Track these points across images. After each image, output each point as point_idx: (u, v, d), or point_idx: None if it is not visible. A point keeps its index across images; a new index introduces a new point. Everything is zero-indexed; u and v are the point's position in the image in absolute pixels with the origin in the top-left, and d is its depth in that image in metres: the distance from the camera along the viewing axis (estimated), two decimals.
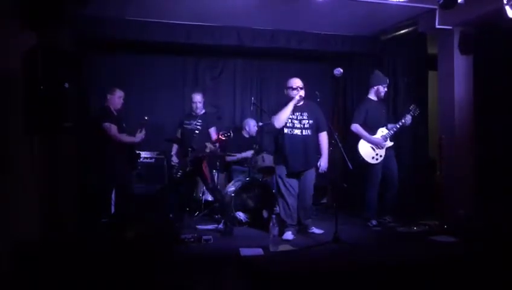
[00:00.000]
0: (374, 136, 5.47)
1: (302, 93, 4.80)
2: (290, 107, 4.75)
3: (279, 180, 4.87)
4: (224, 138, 5.02)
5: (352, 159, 4.87)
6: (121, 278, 3.30)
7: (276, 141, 4.98)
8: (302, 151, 4.83)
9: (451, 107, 5.54)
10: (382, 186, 5.53)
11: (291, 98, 4.80)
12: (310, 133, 4.87)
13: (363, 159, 5.39)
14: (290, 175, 4.84)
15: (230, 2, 5.23)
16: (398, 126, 5.47)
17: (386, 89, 5.59)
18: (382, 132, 5.50)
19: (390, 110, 6.20)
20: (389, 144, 5.52)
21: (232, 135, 5.17)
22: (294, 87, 4.82)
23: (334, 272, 3.66)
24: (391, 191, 5.53)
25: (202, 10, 5.50)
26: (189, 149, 5.24)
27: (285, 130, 4.80)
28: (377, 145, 5.45)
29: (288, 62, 7.34)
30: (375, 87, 5.56)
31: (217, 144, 5.45)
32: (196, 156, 5.17)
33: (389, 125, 5.56)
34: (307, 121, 4.86)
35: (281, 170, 4.86)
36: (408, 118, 5.47)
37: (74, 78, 3.62)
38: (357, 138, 5.46)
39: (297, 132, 4.83)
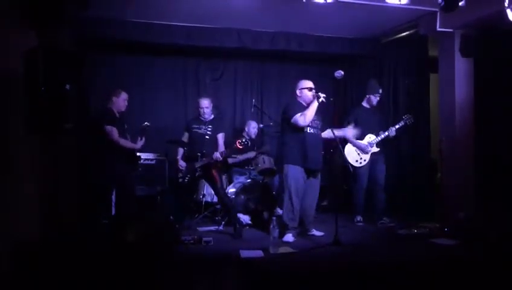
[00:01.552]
0: (360, 141, 5.63)
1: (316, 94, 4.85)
2: (315, 106, 4.75)
3: (292, 182, 4.75)
4: (241, 147, 5.01)
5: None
6: (121, 278, 3.29)
7: (286, 140, 4.89)
8: (319, 150, 4.95)
9: (452, 110, 5.55)
10: (370, 190, 5.70)
11: (307, 98, 4.85)
12: (319, 134, 4.97)
13: (348, 161, 5.43)
14: (305, 175, 4.82)
15: (231, 4, 5.23)
16: (386, 133, 5.62)
17: (377, 98, 5.79)
18: (370, 137, 5.67)
19: (389, 118, 6.30)
20: (374, 150, 5.66)
21: (249, 143, 5.17)
22: (311, 87, 4.88)
23: (334, 274, 3.65)
24: (378, 194, 5.66)
25: (203, 12, 5.50)
26: (199, 154, 5.22)
27: (308, 129, 4.82)
28: (361, 149, 5.61)
29: (288, 64, 7.35)
30: (367, 96, 5.80)
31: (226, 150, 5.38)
32: (209, 161, 5.16)
33: (380, 132, 5.67)
34: (318, 122, 4.93)
35: (296, 171, 4.77)
36: (392, 131, 5.60)
37: (75, 79, 3.61)
38: (345, 141, 5.62)
39: (315, 131, 4.89)
